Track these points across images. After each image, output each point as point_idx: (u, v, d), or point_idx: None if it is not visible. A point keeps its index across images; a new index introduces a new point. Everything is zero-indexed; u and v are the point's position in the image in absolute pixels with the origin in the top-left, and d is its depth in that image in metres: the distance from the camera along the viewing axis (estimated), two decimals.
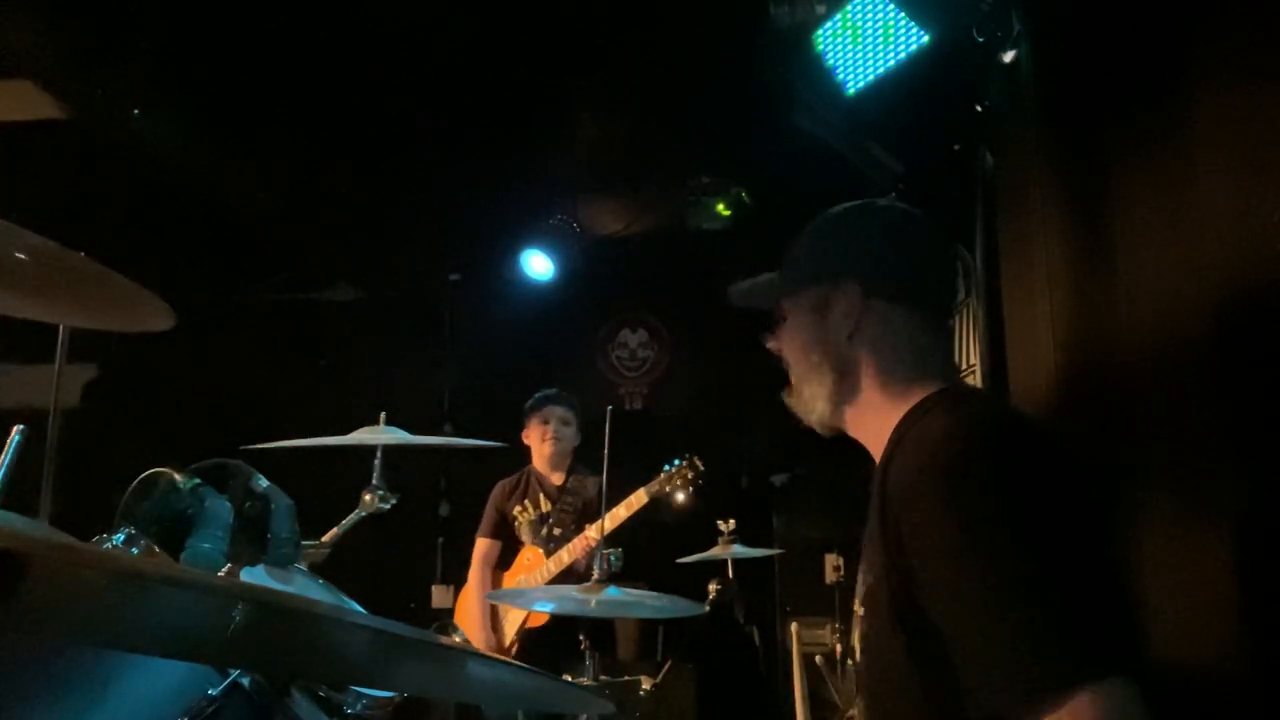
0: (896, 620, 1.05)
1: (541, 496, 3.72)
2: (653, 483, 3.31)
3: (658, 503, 3.32)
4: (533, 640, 3.53)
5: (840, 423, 1.29)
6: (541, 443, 3.72)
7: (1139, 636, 1.00)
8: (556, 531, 3.60)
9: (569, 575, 3.43)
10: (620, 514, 3.32)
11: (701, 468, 3.24)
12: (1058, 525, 0.99)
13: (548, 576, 3.50)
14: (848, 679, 3.29)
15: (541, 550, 3.61)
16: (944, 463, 1.04)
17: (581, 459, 3.75)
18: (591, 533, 3.34)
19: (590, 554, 3.33)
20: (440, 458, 4.94)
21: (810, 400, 1.29)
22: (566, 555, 3.46)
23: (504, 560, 3.76)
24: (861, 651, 1.21)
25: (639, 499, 3.31)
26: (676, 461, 3.29)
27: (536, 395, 3.80)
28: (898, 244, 1.29)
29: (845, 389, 1.26)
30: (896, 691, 1.10)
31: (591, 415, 3.86)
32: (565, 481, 3.71)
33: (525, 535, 3.70)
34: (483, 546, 3.73)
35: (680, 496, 3.23)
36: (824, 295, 1.27)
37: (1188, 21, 1.79)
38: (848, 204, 1.34)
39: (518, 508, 3.74)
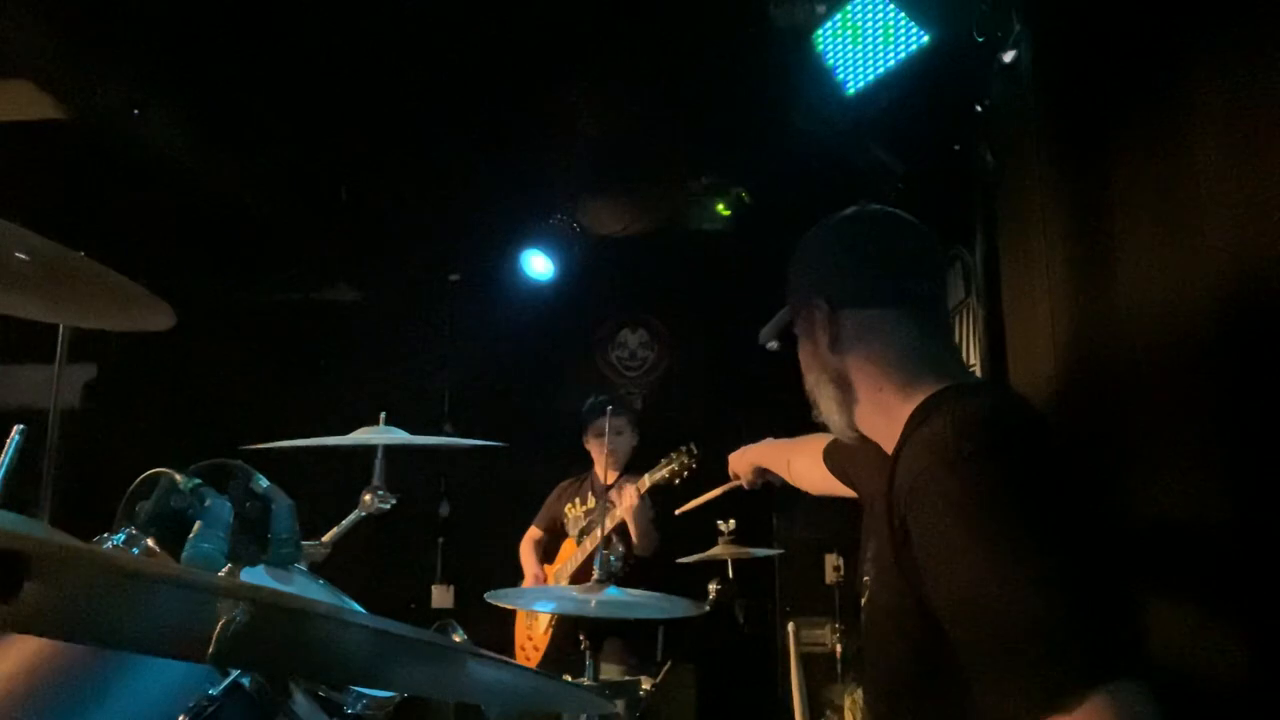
0: (901, 618, 1.05)
1: (590, 494, 3.94)
2: (654, 469, 3.56)
3: (659, 489, 3.55)
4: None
5: (857, 429, 1.31)
6: (598, 451, 3.91)
7: (1142, 636, 1.00)
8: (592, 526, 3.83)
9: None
10: (645, 481, 3.58)
11: (696, 452, 3.48)
12: (1067, 524, 0.99)
13: (574, 566, 3.77)
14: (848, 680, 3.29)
15: (575, 543, 3.85)
16: (950, 461, 1.03)
17: (638, 461, 3.88)
18: (609, 521, 3.58)
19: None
20: (440, 458, 4.94)
21: (827, 414, 1.33)
22: (590, 544, 3.70)
23: (552, 553, 4.01)
24: (865, 644, 1.21)
25: (643, 485, 3.58)
26: (676, 450, 3.57)
27: (588, 405, 3.97)
28: (855, 251, 1.31)
29: (848, 398, 1.29)
30: (899, 688, 1.10)
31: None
32: (614, 482, 3.85)
33: (570, 529, 3.94)
34: (530, 533, 4.08)
35: (678, 482, 3.47)
36: (806, 317, 1.32)
37: (1188, 21, 1.79)
38: (820, 222, 1.38)
39: (569, 505, 3.98)
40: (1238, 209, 1.63)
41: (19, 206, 1.39)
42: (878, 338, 1.26)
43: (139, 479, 1.32)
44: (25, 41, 3.27)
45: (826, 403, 1.32)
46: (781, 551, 3.58)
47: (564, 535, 3.97)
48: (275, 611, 0.78)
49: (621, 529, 3.63)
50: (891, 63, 2.66)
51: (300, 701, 1.31)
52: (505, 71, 3.69)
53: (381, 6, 3.38)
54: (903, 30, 2.62)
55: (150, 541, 1.27)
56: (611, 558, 2.75)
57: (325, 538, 1.69)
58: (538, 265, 4.74)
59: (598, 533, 3.54)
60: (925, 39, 2.60)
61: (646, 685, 2.78)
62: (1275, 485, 1.50)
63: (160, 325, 1.52)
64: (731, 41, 3.31)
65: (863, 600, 1.22)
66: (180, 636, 0.85)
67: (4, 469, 1.45)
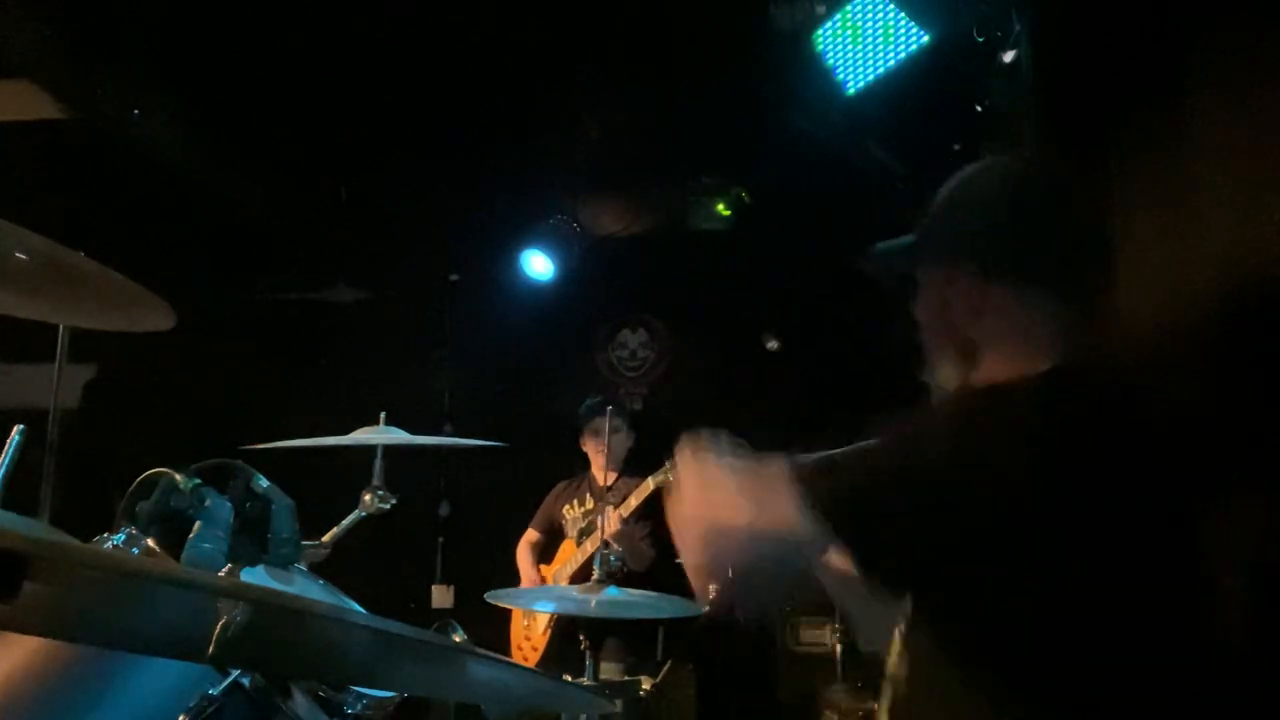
0: (961, 610, 1.04)
1: (588, 495, 3.94)
2: (658, 472, 3.53)
3: (664, 492, 3.49)
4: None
5: None
6: (595, 452, 3.92)
7: None
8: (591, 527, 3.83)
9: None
10: (632, 502, 3.58)
11: None
12: (1141, 545, 1.00)
13: (574, 567, 3.76)
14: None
15: (575, 543, 3.86)
16: (1024, 474, 0.99)
17: (635, 461, 3.88)
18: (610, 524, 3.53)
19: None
20: (440, 458, 4.94)
21: (944, 380, 1.24)
22: (590, 545, 3.68)
23: (550, 554, 4.01)
24: (913, 631, 1.18)
25: (646, 488, 3.55)
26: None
27: (584, 406, 3.98)
28: (1022, 218, 1.19)
29: (970, 366, 1.20)
30: (952, 674, 1.09)
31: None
32: (613, 483, 3.86)
33: (569, 530, 3.95)
34: (527, 535, 4.08)
35: None
36: (945, 275, 1.21)
37: (1188, 21, 1.79)
38: (976, 167, 1.27)
39: (566, 506, 3.98)
40: (1237, 208, 1.63)
41: (19, 206, 1.39)
42: (1024, 319, 1.15)
43: (139, 479, 1.32)
44: (25, 41, 3.27)
45: (944, 365, 1.23)
46: None
47: (562, 536, 3.97)
48: (275, 611, 0.78)
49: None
50: (891, 63, 2.67)
51: (300, 701, 1.31)
52: (505, 71, 3.69)
53: (382, 6, 3.38)
54: (903, 30, 2.62)
55: (150, 541, 1.26)
56: (611, 557, 2.76)
57: (325, 538, 1.69)
58: (538, 265, 4.74)
59: (598, 534, 3.54)
60: (925, 39, 2.60)
61: (646, 685, 2.78)
62: (1275, 485, 1.50)
63: (160, 325, 1.53)
64: (732, 42, 3.31)
65: None
66: (180, 636, 0.85)
67: (4, 469, 1.45)
